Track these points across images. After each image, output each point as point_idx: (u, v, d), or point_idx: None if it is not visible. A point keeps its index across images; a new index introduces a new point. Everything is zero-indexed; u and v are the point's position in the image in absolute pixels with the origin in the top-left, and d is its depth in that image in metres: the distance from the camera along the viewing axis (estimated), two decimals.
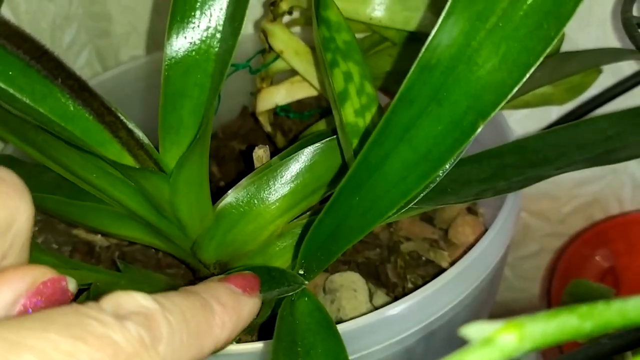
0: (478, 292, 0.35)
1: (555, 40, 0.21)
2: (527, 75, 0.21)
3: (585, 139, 0.35)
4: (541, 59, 0.21)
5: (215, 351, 0.21)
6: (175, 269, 0.41)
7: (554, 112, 0.54)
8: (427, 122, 0.23)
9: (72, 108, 0.27)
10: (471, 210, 0.45)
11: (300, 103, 0.49)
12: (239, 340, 0.31)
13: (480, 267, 0.34)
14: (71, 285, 0.19)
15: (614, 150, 0.34)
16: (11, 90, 0.26)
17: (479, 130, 0.22)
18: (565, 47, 0.50)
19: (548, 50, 0.21)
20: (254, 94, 0.45)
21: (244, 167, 0.49)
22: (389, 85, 0.42)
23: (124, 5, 0.57)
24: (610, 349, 0.31)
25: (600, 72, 0.44)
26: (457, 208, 0.44)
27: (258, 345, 0.28)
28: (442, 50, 0.22)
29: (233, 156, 0.51)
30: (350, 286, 0.38)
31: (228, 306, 0.22)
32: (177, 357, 0.18)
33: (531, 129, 0.55)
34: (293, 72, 0.42)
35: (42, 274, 0.18)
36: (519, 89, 0.37)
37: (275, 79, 0.44)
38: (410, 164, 0.24)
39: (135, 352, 0.17)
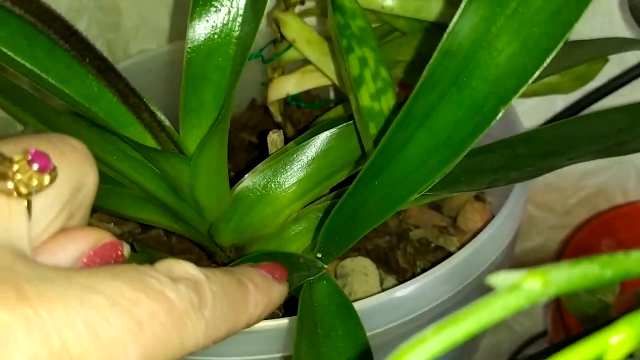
0: (486, 275, 0.36)
1: (576, 23, 0.21)
2: (548, 60, 0.22)
3: (596, 131, 0.36)
4: (561, 44, 0.22)
5: (247, 327, 0.22)
6: (188, 254, 0.41)
7: (560, 103, 0.55)
8: (448, 107, 0.24)
9: (96, 89, 0.27)
10: (479, 198, 0.45)
11: (310, 94, 0.50)
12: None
13: (489, 250, 0.35)
14: (125, 250, 0.22)
15: (626, 142, 0.35)
16: (37, 71, 0.26)
17: (499, 115, 0.23)
18: (571, 38, 0.50)
19: (569, 34, 0.21)
20: (265, 84, 0.45)
21: (254, 157, 0.50)
22: (399, 74, 0.43)
23: None
24: None
25: (606, 61, 0.44)
26: (465, 196, 0.45)
27: (284, 322, 0.28)
28: (463, 36, 0.23)
29: (243, 147, 0.51)
30: (361, 271, 0.39)
31: (261, 287, 0.23)
32: (217, 325, 0.20)
33: (538, 120, 0.56)
34: (304, 62, 0.43)
35: (104, 236, 0.20)
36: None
37: (286, 70, 0.45)
38: (431, 149, 0.25)
39: (186, 310, 0.18)
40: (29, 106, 0.32)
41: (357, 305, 0.30)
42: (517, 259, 0.64)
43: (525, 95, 0.47)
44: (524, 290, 0.13)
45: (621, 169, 0.56)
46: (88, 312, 0.16)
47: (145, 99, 0.26)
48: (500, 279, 0.13)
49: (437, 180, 0.28)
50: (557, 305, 0.47)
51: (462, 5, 0.23)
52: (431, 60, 0.23)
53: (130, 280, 0.18)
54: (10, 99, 0.35)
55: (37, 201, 0.18)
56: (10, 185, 0.17)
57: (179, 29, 0.59)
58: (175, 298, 0.18)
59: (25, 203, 0.18)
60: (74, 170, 0.20)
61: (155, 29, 0.59)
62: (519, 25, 0.22)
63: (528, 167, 0.35)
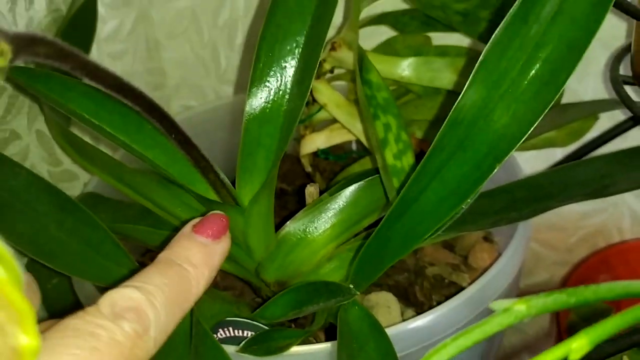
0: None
1: (553, 102, 0.28)
2: (532, 129, 0.28)
3: (583, 176, 0.42)
4: (542, 116, 0.28)
5: (196, 300, 0.26)
6: (232, 290, 0.47)
7: (559, 152, 0.61)
8: (455, 165, 0.30)
9: (172, 155, 0.34)
10: (487, 239, 0.51)
11: (337, 147, 0.56)
12: (310, 341, 0.37)
13: (496, 285, 0.40)
14: None
15: (608, 185, 0.41)
16: (129, 142, 0.33)
17: (496, 170, 0.29)
18: (567, 96, 0.57)
19: (547, 110, 0.28)
20: (298, 139, 0.52)
21: (285, 202, 0.56)
22: (415, 130, 0.49)
23: (176, 61, 0.65)
24: (609, 353, 0.37)
25: (597, 119, 0.50)
26: (474, 236, 0.50)
27: (327, 345, 0.34)
28: (466, 110, 0.29)
29: (275, 193, 0.58)
30: (384, 304, 0.45)
31: (199, 264, 0.26)
32: (166, 328, 0.23)
33: (539, 167, 0.62)
34: (332, 120, 0.50)
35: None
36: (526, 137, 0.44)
37: (317, 127, 0.51)
38: (442, 197, 0.31)
39: (134, 344, 0.22)
40: (107, 168, 0.38)
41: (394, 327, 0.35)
42: (523, 293, 0.69)
43: (525, 148, 0.53)
44: (513, 312, 0.19)
45: (617, 210, 0.61)
46: None
47: (212, 163, 0.32)
48: (498, 304, 0.19)
49: (445, 223, 0.34)
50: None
51: (465, 88, 0.29)
52: (441, 128, 0.30)
53: (82, 338, 0.21)
54: (88, 159, 0.42)
55: None
56: None
57: (213, 87, 0.67)
58: (123, 339, 0.21)
59: None
60: None
61: (195, 87, 0.67)
62: (509, 103, 0.29)
63: (526, 209, 0.40)
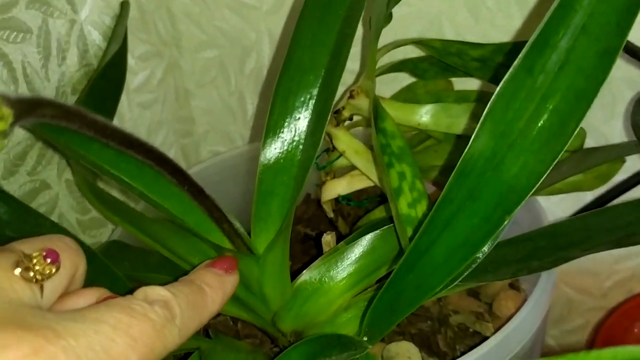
0: (520, 357, 0.40)
1: (562, 152, 0.27)
2: (541, 180, 0.28)
3: (609, 224, 0.41)
4: (551, 167, 0.28)
5: (210, 318, 0.30)
6: (252, 339, 0.47)
7: (589, 195, 0.60)
8: (465, 216, 0.30)
9: (189, 206, 0.34)
10: (513, 286, 0.50)
11: (358, 192, 0.56)
12: None
13: (519, 335, 0.39)
14: None
15: (635, 234, 0.40)
16: (146, 192, 0.34)
17: (506, 223, 0.29)
18: (594, 137, 0.56)
19: (557, 160, 0.27)
20: (319, 185, 0.52)
21: (308, 247, 0.56)
22: (435, 175, 0.49)
23: (204, 109, 0.66)
24: None
25: (624, 161, 0.49)
26: (500, 284, 0.49)
27: None
28: (474, 161, 0.29)
29: (298, 238, 0.58)
30: (405, 354, 0.44)
31: (215, 287, 0.31)
32: (187, 325, 0.28)
33: (569, 210, 0.60)
34: (352, 167, 0.50)
35: (103, 292, 0.30)
36: (549, 180, 0.43)
37: (337, 173, 0.52)
38: (452, 249, 0.30)
39: (163, 324, 0.26)
40: (128, 216, 0.39)
41: None
42: (557, 340, 0.67)
43: (552, 192, 0.52)
44: None
45: None
46: (100, 338, 0.23)
47: (226, 213, 0.33)
48: None
49: (461, 274, 0.34)
50: None
51: (472, 138, 0.29)
52: (450, 179, 0.30)
53: (122, 308, 0.25)
54: (110, 208, 0.43)
55: (50, 282, 0.26)
56: (31, 274, 0.25)
57: (241, 132, 0.68)
58: (155, 317, 0.26)
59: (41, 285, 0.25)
60: (70, 262, 0.28)
61: (223, 133, 0.68)
62: (518, 153, 0.28)
63: (547, 258, 0.39)
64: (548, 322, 0.53)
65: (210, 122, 0.67)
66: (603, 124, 0.56)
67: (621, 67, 0.53)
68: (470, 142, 0.29)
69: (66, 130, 0.34)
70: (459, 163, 0.29)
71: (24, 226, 0.36)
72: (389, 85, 0.55)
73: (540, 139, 0.28)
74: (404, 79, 0.54)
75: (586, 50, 0.27)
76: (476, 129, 0.29)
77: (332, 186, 0.50)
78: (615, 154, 0.47)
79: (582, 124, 0.49)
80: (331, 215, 0.54)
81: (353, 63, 0.57)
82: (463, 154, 0.29)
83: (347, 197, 0.53)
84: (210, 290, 0.31)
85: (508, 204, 0.28)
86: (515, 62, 0.27)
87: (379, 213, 0.49)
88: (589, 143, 0.53)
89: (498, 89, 0.28)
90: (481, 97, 0.48)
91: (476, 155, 0.29)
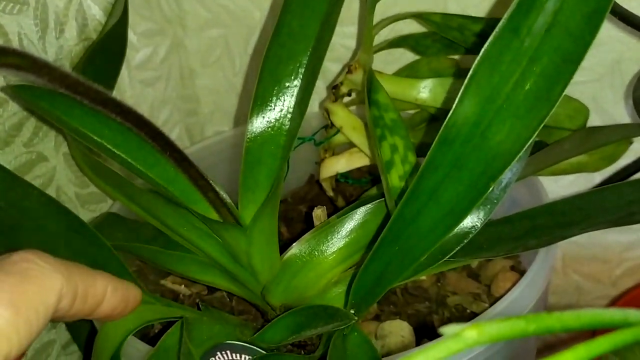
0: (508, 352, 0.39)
1: (547, 118, 0.26)
2: (527, 145, 0.27)
3: (609, 203, 0.40)
4: (537, 132, 0.27)
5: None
6: (247, 315, 0.47)
7: (597, 178, 0.58)
8: (450, 185, 0.29)
9: (173, 174, 0.34)
10: (514, 269, 0.49)
11: (358, 171, 0.55)
12: None
13: (513, 312, 0.38)
14: None
15: (635, 213, 0.38)
16: (129, 160, 0.34)
17: (490, 190, 0.28)
18: (603, 119, 0.54)
19: (541, 126, 0.26)
20: (318, 163, 0.51)
21: (310, 227, 0.56)
22: None
23: (210, 88, 0.66)
24: None
25: (630, 143, 0.48)
26: (500, 266, 0.48)
27: None
28: (459, 127, 0.28)
29: (300, 218, 0.57)
30: (398, 332, 0.43)
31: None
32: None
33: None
34: (352, 144, 0.49)
35: None
36: (551, 158, 0.42)
37: (337, 150, 0.51)
38: (438, 219, 0.29)
39: None
40: (120, 187, 0.39)
41: (389, 358, 0.34)
42: None
43: (555, 173, 0.51)
44: (463, 338, 0.17)
45: None
46: None
47: (211, 182, 0.32)
48: (448, 329, 0.18)
49: (452, 248, 0.33)
50: None
51: (455, 103, 0.28)
52: (433, 146, 0.29)
53: None
54: (104, 179, 0.43)
55: None
56: None
57: (246, 113, 0.67)
58: None
59: None
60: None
61: (228, 113, 0.68)
62: (504, 118, 0.27)
63: (545, 236, 0.38)
64: (557, 310, 0.51)
65: (215, 102, 0.67)
66: (613, 106, 0.54)
67: (631, 47, 0.52)
68: (453, 107, 0.28)
69: (48, 93, 0.34)
70: (442, 129, 0.28)
71: (11, 194, 0.36)
72: (392, 65, 0.54)
73: (527, 103, 0.27)
74: (409, 59, 0.53)
75: (573, 11, 0.26)
76: (460, 94, 0.28)
77: (331, 163, 0.50)
78: (620, 134, 0.46)
79: (591, 105, 0.48)
80: (330, 193, 0.53)
81: (352, 40, 0.57)
82: (446, 120, 0.28)
83: (346, 175, 0.52)
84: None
85: (493, 171, 0.27)
86: (500, 24, 0.27)
87: (376, 191, 0.48)
88: (598, 125, 0.51)
89: (482, 51, 0.27)
90: None
91: (460, 121, 0.28)
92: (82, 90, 0.25)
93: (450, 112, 0.28)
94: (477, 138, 0.28)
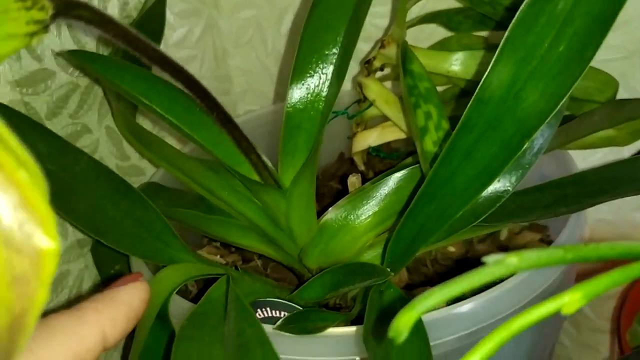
0: (540, 300, 0.40)
1: (580, 79, 0.27)
2: (561, 104, 0.28)
3: (637, 173, 0.41)
4: (570, 91, 0.28)
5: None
6: (281, 282, 0.49)
7: (627, 153, 0.59)
8: (485, 145, 0.30)
9: (218, 136, 0.36)
10: (543, 241, 0.50)
11: (390, 146, 0.57)
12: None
13: (543, 276, 0.39)
14: None
15: None
16: (177, 122, 0.35)
17: (524, 147, 0.29)
18: (632, 96, 0.55)
19: (575, 85, 0.27)
20: (351, 137, 0.53)
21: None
22: None
23: (242, 69, 0.68)
24: None
25: None
26: (529, 237, 0.49)
27: (352, 329, 0.34)
28: (493, 88, 0.29)
29: (331, 194, 0.59)
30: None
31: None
32: None
33: None
34: (384, 118, 0.50)
35: None
36: (581, 131, 0.43)
37: (369, 125, 0.52)
38: (473, 177, 0.31)
39: None
40: (163, 154, 0.41)
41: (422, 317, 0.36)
42: (592, 308, 0.66)
43: (583, 147, 0.52)
44: (505, 264, 0.19)
45: None
46: None
47: (254, 145, 0.34)
48: (491, 257, 0.19)
49: (485, 211, 0.34)
50: (620, 343, 0.50)
51: (491, 64, 0.29)
52: (468, 107, 0.30)
53: None
54: (148, 147, 0.44)
55: None
56: None
57: (279, 93, 0.69)
58: None
59: None
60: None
61: (259, 93, 0.69)
62: (538, 79, 0.29)
63: (574, 204, 0.40)
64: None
65: (248, 82, 0.69)
66: None
67: None
68: (488, 70, 0.30)
69: (103, 59, 0.36)
70: (477, 90, 0.30)
71: (63, 160, 0.38)
72: (424, 42, 0.55)
73: (560, 64, 0.28)
74: (440, 37, 0.54)
75: None
76: (495, 56, 0.29)
77: (363, 137, 0.51)
78: None
79: (619, 82, 0.49)
80: (362, 168, 0.54)
81: (383, 20, 0.58)
82: (481, 82, 0.30)
83: (378, 149, 0.54)
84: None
85: (527, 129, 0.29)
86: None
87: (411, 160, 0.49)
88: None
89: (517, 14, 0.28)
90: None
91: (496, 83, 0.29)
92: (141, 46, 0.26)
93: (485, 74, 0.29)
94: (512, 99, 0.29)
